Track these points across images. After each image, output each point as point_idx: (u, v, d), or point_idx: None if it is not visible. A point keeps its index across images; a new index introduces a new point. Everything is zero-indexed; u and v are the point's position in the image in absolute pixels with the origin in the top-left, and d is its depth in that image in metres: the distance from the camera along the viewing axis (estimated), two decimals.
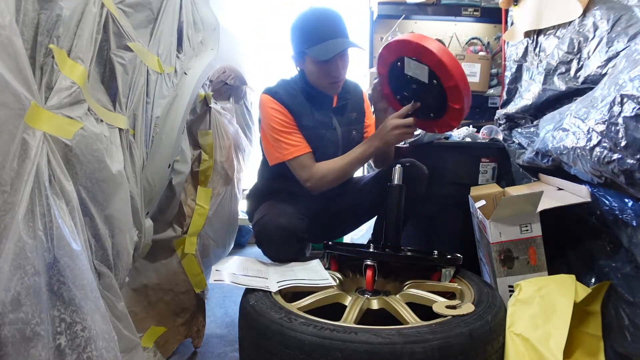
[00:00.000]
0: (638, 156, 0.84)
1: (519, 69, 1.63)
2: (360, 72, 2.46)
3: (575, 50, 1.23)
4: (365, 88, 1.86)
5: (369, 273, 1.10)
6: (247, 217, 2.30)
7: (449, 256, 1.17)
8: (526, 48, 1.58)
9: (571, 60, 1.26)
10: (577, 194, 1.14)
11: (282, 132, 1.32)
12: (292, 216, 1.24)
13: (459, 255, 1.18)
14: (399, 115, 1.27)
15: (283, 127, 1.32)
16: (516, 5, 1.65)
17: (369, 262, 1.11)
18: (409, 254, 1.23)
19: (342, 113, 1.43)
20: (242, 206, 2.13)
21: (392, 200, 1.20)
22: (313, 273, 1.12)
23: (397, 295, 1.05)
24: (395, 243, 1.20)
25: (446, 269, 1.15)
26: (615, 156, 0.91)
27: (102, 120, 0.78)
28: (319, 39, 1.25)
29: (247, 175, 1.90)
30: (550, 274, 1.14)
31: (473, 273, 1.19)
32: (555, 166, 1.28)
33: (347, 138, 1.43)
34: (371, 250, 1.22)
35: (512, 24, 1.72)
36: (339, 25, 1.27)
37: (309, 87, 1.36)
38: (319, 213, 1.42)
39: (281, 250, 1.25)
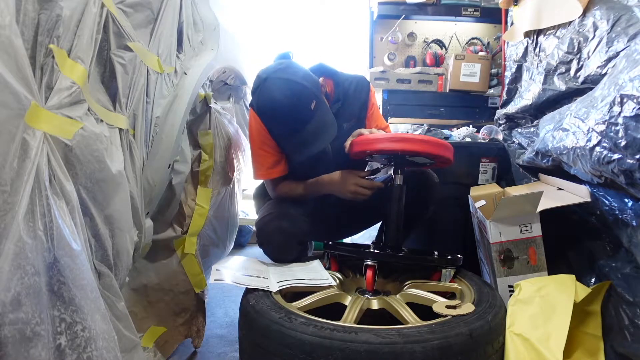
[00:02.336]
0: (638, 156, 0.84)
1: (519, 69, 1.63)
2: (360, 73, 2.45)
3: (575, 50, 1.23)
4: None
5: (369, 273, 1.10)
6: (247, 217, 2.30)
7: (449, 256, 1.17)
8: (526, 48, 1.58)
9: (571, 60, 1.26)
10: (577, 194, 1.14)
11: (260, 151, 1.33)
12: (294, 218, 1.24)
13: (459, 255, 1.18)
14: (362, 177, 1.26)
15: (260, 148, 1.33)
16: (516, 5, 1.65)
17: (369, 262, 1.12)
18: (409, 254, 1.23)
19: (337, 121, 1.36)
20: (242, 206, 2.13)
21: (393, 200, 1.21)
22: (313, 273, 1.12)
23: (397, 295, 1.05)
24: (395, 243, 1.20)
25: (446, 269, 1.15)
26: (615, 156, 0.91)
27: (102, 120, 0.78)
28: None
29: (247, 175, 1.90)
30: (550, 274, 1.14)
31: (473, 273, 1.19)
32: (555, 166, 1.28)
33: (342, 147, 1.36)
34: (371, 250, 1.22)
35: (512, 24, 1.72)
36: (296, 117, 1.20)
37: None
38: (323, 215, 1.41)
39: (282, 251, 1.25)
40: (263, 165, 1.35)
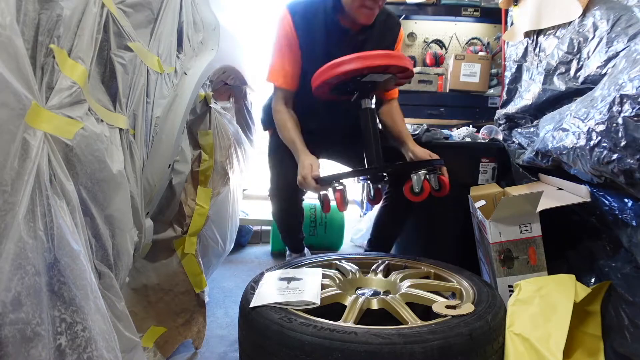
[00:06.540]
0: (638, 156, 0.84)
1: (519, 69, 1.64)
2: None
3: (575, 50, 1.24)
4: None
5: (338, 195, 1.21)
6: (247, 217, 2.34)
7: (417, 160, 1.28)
8: (526, 48, 1.58)
9: (571, 60, 1.26)
10: (577, 194, 1.15)
11: (279, 53, 1.37)
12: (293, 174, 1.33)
13: (437, 158, 1.28)
14: (314, 175, 1.26)
15: (282, 49, 1.36)
16: (516, 5, 1.65)
17: (337, 186, 1.22)
18: (382, 165, 1.30)
19: (360, 51, 1.34)
20: (242, 206, 2.13)
21: (364, 123, 1.27)
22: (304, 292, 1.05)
23: (397, 295, 1.05)
24: (377, 163, 1.28)
25: (415, 173, 1.23)
26: (615, 156, 0.91)
27: (102, 120, 0.78)
28: None
29: (247, 175, 1.90)
30: (550, 274, 1.14)
31: (473, 273, 1.19)
32: (555, 166, 1.28)
33: None
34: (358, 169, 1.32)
35: (512, 24, 1.72)
36: None
37: (333, 15, 1.33)
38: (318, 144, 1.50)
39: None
40: (278, 69, 1.39)
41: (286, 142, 1.42)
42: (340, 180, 1.25)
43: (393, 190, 1.56)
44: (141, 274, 1.17)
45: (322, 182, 1.26)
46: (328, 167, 1.35)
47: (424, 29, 2.53)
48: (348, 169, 1.61)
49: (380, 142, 1.31)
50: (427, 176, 1.28)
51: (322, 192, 1.29)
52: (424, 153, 1.38)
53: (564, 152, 1.13)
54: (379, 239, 1.74)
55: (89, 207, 0.72)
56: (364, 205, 2.98)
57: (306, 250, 1.89)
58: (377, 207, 1.76)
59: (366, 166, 1.30)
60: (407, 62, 1.25)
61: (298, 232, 1.83)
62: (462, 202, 1.52)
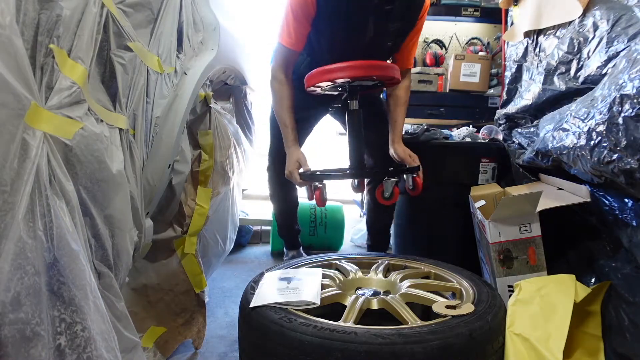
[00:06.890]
0: (638, 156, 0.84)
1: (519, 69, 1.63)
2: None
3: (575, 50, 1.23)
4: None
5: (317, 193, 1.34)
6: (247, 217, 2.36)
7: (390, 168, 1.36)
8: (526, 48, 1.58)
9: (571, 60, 1.26)
10: (577, 194, 1.15)
11: (291, 16, 1.32)
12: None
13: (415, 162, 1.37)
14: (301, 170, 1.38)
15: (295, 14, 1.31)
16: (516, 5, 1.65)
17: (317, 185, 1.34)
18: (360, 170, 1.42)
19: (383, 19, 1.31)
20: (242, 206, 2.13)
21: (350, 125, 1.35)
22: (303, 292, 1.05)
23: (397, 295, 1.05)
24: (356, 167, 1.39)
25: (387, 180, 1.31)
26: (616, 156, 0.91)
27: (102, 120, 0.77)
28: None
29: (247, 175, 1.90)
30: (550, 274, 1.14)
31: (473, 273, 1.19)
32: (555, 166, 1.28)
33: (377, 47, 1.34)
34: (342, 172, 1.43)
35: (512, 24, 1.72)
36: None
37: None
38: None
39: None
40: (289, 31, 1.35)
41: (279, 122, 1.45)
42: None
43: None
44: (141, 274, 1.17)
45: (306, 179, 1.36)
46: (312, 161, 1.44)
47: (424, 29, 2.52)
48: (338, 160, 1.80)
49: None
50: (404, 176, 1.40)
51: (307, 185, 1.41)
52: (404, 154, 1.44)
53: (564, 152, 1.12)
54: (376, 233, 1.81)
55: (88, 207, 0.72)
56: (364, 205, 2.98)
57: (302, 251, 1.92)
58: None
59: (349, 164, 1.43)
60: (394, 72, 1.29)
61: (294, 221, 1.87)
62: (462, 202, 1.52)
